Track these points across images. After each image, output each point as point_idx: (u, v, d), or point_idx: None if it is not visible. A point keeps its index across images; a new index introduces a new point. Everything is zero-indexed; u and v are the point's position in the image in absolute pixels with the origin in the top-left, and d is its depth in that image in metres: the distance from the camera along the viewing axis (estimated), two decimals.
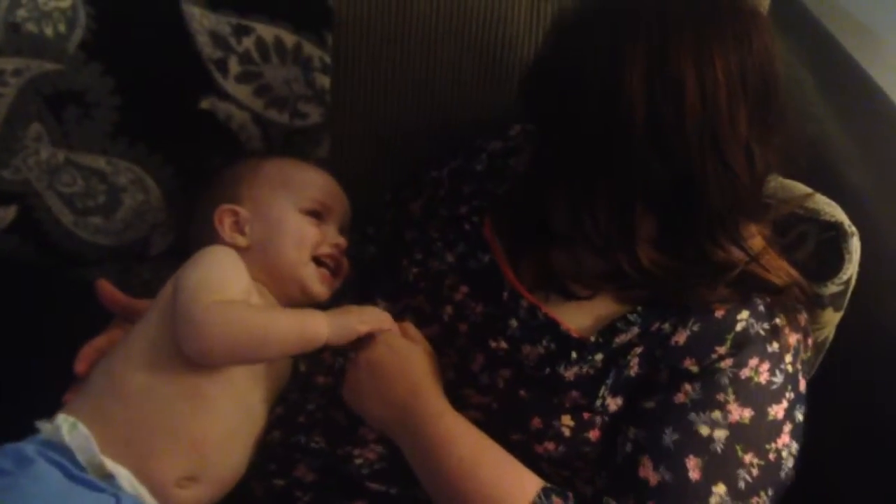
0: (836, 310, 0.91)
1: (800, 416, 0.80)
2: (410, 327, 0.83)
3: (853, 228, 0.90)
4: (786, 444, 0.78)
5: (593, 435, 0.78)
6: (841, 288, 0.90)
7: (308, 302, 0.88)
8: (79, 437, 0.75)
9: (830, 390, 0.84)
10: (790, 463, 0.79)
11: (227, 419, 0.80)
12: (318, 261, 0.88)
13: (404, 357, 0.80)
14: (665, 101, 0.73)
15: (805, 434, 0.81)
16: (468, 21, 1.00)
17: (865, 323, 0.93)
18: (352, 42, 0.99)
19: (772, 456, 0.77)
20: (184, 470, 0.77)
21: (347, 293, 0.89)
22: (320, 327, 0.79)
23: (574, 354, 0.79)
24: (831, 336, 0.93)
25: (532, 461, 0.78)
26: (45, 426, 0.77)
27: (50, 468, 0.73)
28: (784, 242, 0.85)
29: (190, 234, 0.94)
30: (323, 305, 0.86)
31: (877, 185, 1.01)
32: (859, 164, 1.02)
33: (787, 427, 0.79)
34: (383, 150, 1.05)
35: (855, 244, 0.90)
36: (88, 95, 0.95)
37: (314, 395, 0.84)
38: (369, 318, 0.81)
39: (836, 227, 0.90)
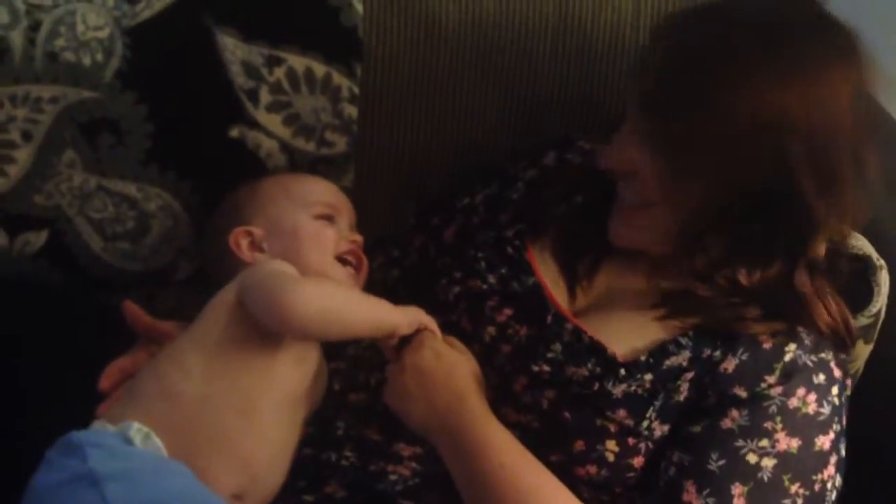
0: (867, 342, 0.91)
1: (843, 451, 0.80)
2: (455, 341, 0.84)
3: (882, 261, 0.90)
4: (831, 476, 0.78)
5: (637, 462, 0.78)
6: (871, 321, 0.90)
7: None
8: (152, 448, 0.74)
9: (860, 422, 0.82)
10: (833, 496, 0.78)
11: (276, 436, 0.79)
12: (341, 260, 0.88)
13: (451, 362, 0.81)
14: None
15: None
16: (493, 57, 1.01)
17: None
18: (379, 74, 1.00)
19: (817, 487, 0.77)
20: (236, 486, 0.77)
21: None
22: (392, 310, 0.80)
23: (623, 372, 0.78)
24: (861, 369, 0.92)
25: (571, 484, 0.77)
26: (109, 432, 0.75)
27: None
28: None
29: (208, 268, 0.95)
30: None
31: None
32: (882, 197, 1.02)
33: (833, 458, 0.78)
34: (407, 181, 1.05)
35: (884, 277, 0.90)
36: (122, 123, 0.96)
37: (345, 413, 0.84)
38: (426, 314, 0.83)
39: (865, 259, 0.90)
